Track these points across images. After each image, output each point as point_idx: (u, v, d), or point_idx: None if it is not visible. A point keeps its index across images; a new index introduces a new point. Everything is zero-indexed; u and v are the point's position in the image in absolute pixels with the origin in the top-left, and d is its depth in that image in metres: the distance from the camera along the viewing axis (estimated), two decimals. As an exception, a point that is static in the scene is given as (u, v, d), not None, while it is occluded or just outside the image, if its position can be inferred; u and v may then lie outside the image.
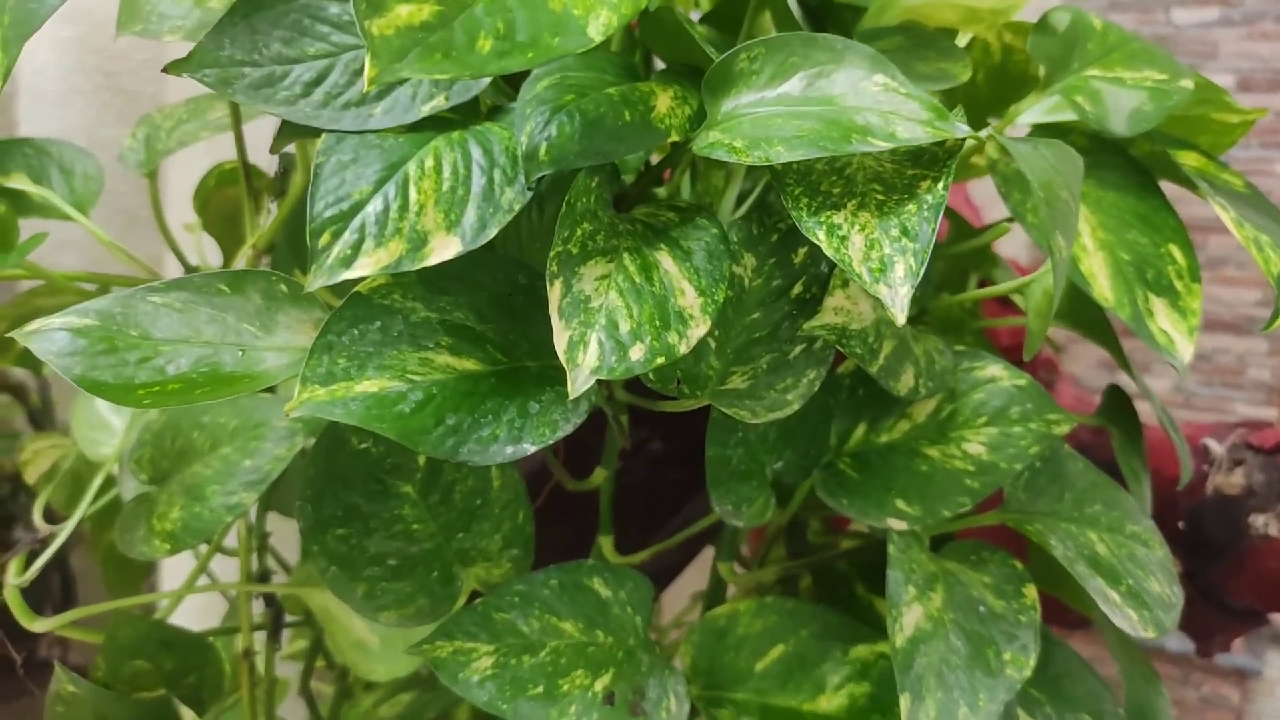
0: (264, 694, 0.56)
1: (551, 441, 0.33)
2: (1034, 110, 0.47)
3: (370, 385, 0.32)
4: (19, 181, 0.55)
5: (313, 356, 0.31)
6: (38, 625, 0.51)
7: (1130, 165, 0.46)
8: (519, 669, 0.37)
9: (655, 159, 0.40)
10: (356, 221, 0.31)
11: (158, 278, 0.57)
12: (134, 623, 0.52)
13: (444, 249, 0.31)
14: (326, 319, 0.32)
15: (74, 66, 0.92)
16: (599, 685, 0.37)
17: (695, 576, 0.60)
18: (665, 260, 0.33)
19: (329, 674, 0.62)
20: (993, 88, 0.53)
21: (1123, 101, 0.43)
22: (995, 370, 0.42)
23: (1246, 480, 0.69)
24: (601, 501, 0.47)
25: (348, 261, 0.31)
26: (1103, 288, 0.41)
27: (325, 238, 0.31)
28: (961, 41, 0.48)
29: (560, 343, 0.30)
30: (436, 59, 0.26)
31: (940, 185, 0.30)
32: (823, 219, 0.30)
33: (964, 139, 0.30)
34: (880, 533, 0.46)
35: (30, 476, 0.65)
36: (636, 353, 0.30)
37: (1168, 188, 0.47)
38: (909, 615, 0.38)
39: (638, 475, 0.55)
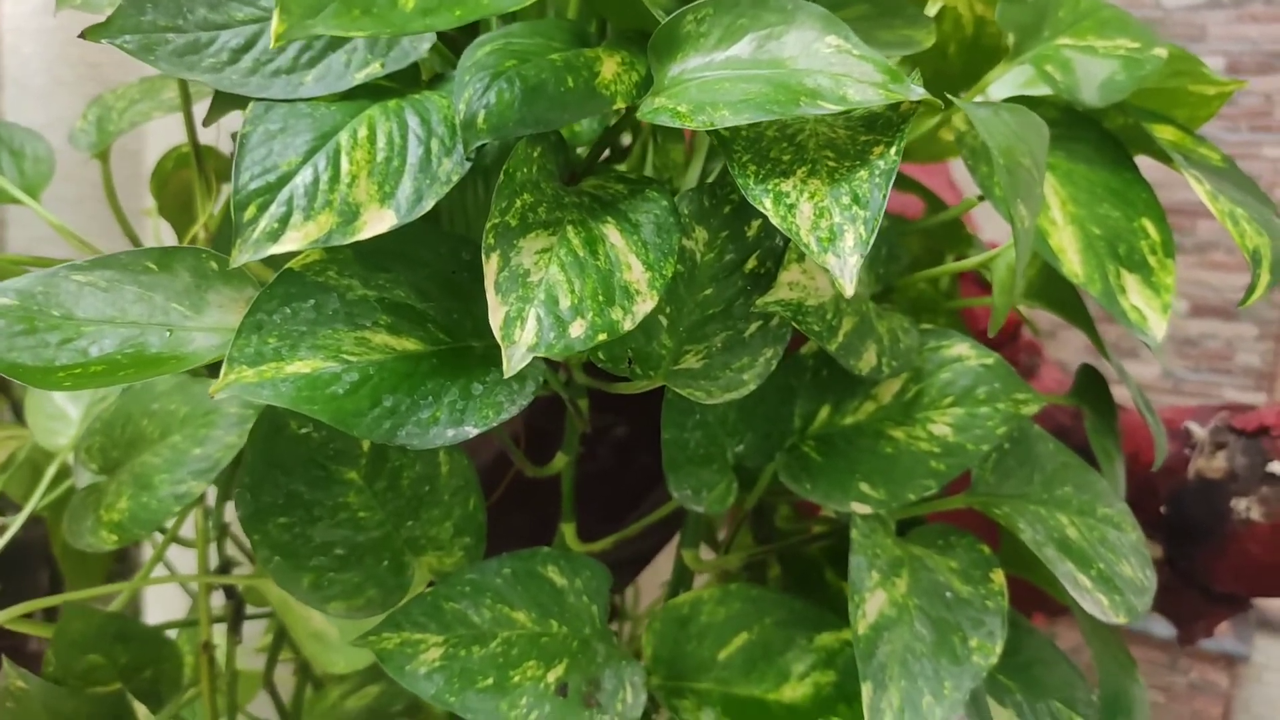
0: (226, 687, 0.54)
1: (495, 423, 0.32)
2: (1003, 82, 0.46)
3: (302, 366, 0.30)
4: (-33, 165, 0.54)
5: (240, 336, 0.30)
6: (-12, 619, 0.49)
7: (1103, 138, 0.44)
8: (468, 660, 0.36)
9: (608, 129, 0.39)
10: (284, 194, 0.30)
11: (110, 262, 0.55)
12: (86, 616, 0.51)
13: (377, 222, 0.30)
14: (256, 296, 0.31)
15: (58, 58, 0.90)
16: (552, 676, 0.36)
17: (671, 564, 0.58)
18: (612, 234, 0.31)
19: (294, 654, 0.61)
20: (964, 61, 0.52)
21: (1094, 70, 0.42)
22: (962, 349, 0.41)
23: (1228, 464, 0.68)
24: (563, 488, 0.46)
25: (274, 235, 0.29)
26: (1072, 263, 0.40)
27: (251, 210, 0.29)
28: (931, 11, 0.47)
29: (496, 319, 0.29)
30: (354, 15, 0.24)
31: (893, 150, 0.28)
32: (770, 186, 0.29)
33: (918, 102, 0.29)
34: (849, 518, 0.45)
35: (-14, 468, 0.63)
36: (577, 329, 0.29)
37: (1152, 170, 0.46)
38: (872, 601, 0.37)
39: (603, 462, 0.54)
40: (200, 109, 0.51)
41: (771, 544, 0.47)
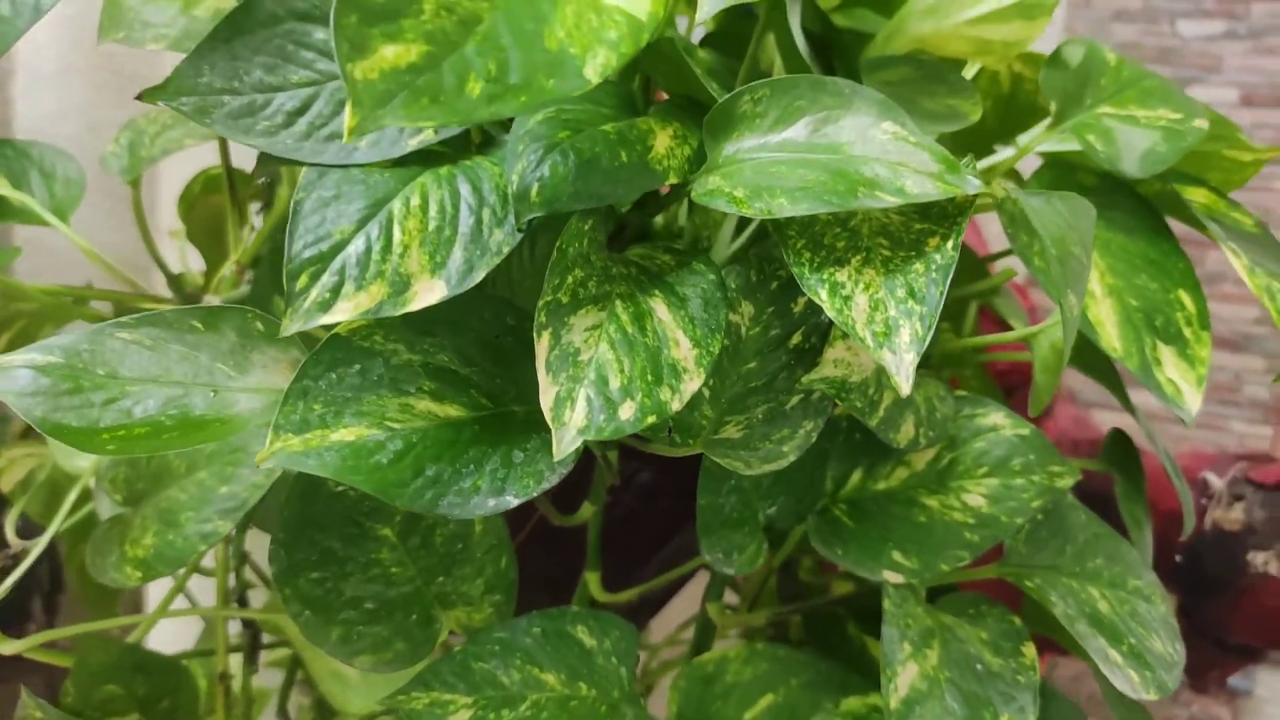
0: (240, 717, 0.54)
1: (536, 493, 0.32)
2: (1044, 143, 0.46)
3: (347, 434, 0.30)
4: (-2, 185, 0.53)
5: (287, 402, 0.30)
6: (7, 648, 0.49)
7: (1140, 206, 0.44)
8: (498, 722, 0.36)
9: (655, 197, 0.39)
10: (336, 263, 0.29)
11: (137, 288, 0.55)
12: (105, 647, 0.51)
13: (427, 293, 0.30)
14: (304, 361, 0.31)
15: (71, 46, 0.90)
16: (580, 741, 0.36)
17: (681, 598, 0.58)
18: (659, 308, 0.31)
19: (309, 686, 0.61)
20: (1000, 117, 0.52)
21: (1135, 141, 0.42)
22: (997, 418, 0.41)
23: (1246, 516, 0.68)
24: (589, 537, 0.46)
25: (326, 305, 0.29)
26: (1110, 336, 0.40)
27: (303, 279, 0.29)
28: (970, 70, 0.46)
29: (546, 400, 0.28)
30: (423, 104, 0.24)
31: (949, 244, 0.28)
32: (825, 276, 0.29)
33: (975, 195, 0.29)
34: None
35: (5, 485, 0.63)
36: (627, 411, 0.29)
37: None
38: (904, 675, 0.37)
39: (625, 507, 0.53)
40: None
41: (797, 602, 0.47)
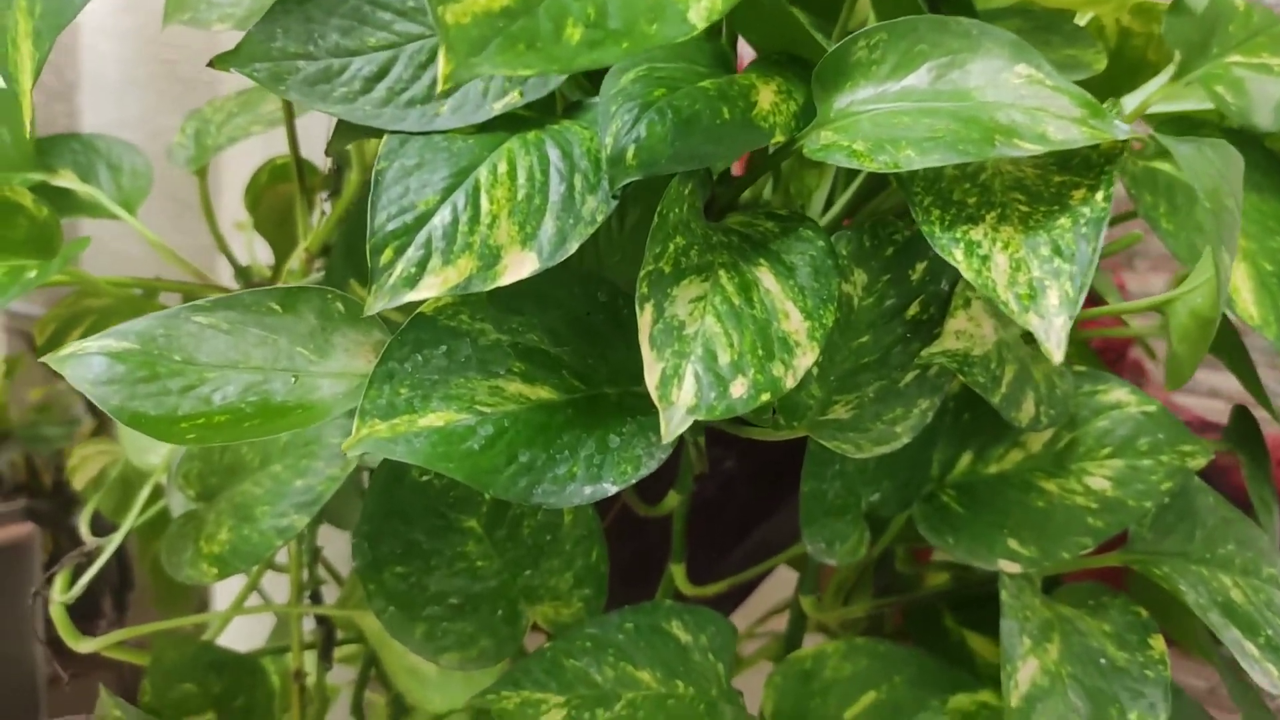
0: (315, 715, 0.53)
1: (634, 479, 0.30)
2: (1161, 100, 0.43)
3: (435, 418, 0.28)
4: (66, 179, 0.53)
5: (372, 386, 0.28)
6: (83, 645, 0.49)
7: (1272, 163, 0.41)
8: (593, 724, 0.34)
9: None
10: (422, 235, 0.28)
11: (205, 280, 0.54)
12: (181, 645, 0.50)
13: (518, 267, 0.28)
14: (388, 343, 0.29)
15: (133, 56, 0.91)
16: (680, 743, 0.34)
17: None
18: (766, 278, 0.29)
19: (382, 683, 0.60)
20: (1107, 74, 0.48)
21: (1269, 91, 0.39)
22: (1121, 394, 0.38)
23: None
24: (674, 528, 0.44)
25: (412, 281, 0.27)
26: (1246, 303, 0.37)
27: (387, 254, 0.27)
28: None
29: (652, 376, 0.26)
30: (519, 50, 0.22)
31: (1099, 196, 0.25)
32: (959, 234, 0.26)
33: (1124, 141, 0.26)
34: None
35: (78, 483, 0.63)
36: (738, 388, 0.26)
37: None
38: (1024, 670, 0.34)
39: (707, 494, 0.51)
40: (301, 123, 0.49)
41: (894, 594, 0.44)
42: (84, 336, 0.56)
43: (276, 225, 0.55)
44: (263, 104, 0.53)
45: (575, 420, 0.30)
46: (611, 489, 0.29)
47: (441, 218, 0.28)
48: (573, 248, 0.28)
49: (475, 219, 0.28)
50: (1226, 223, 0.28)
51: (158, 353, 0.29)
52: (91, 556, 0.51)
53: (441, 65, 0.21)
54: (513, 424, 0.29)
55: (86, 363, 0.28)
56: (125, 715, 0.46)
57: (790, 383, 0.27)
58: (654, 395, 0.26)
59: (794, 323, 0.28)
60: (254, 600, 0.56)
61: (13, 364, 0.97)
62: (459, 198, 0.28)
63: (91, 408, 0.97)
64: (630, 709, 0.34)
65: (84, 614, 0.59)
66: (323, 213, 0.51)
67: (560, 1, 0.24)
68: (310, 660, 0.54)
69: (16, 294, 0.39)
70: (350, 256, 0.40)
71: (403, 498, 0.34)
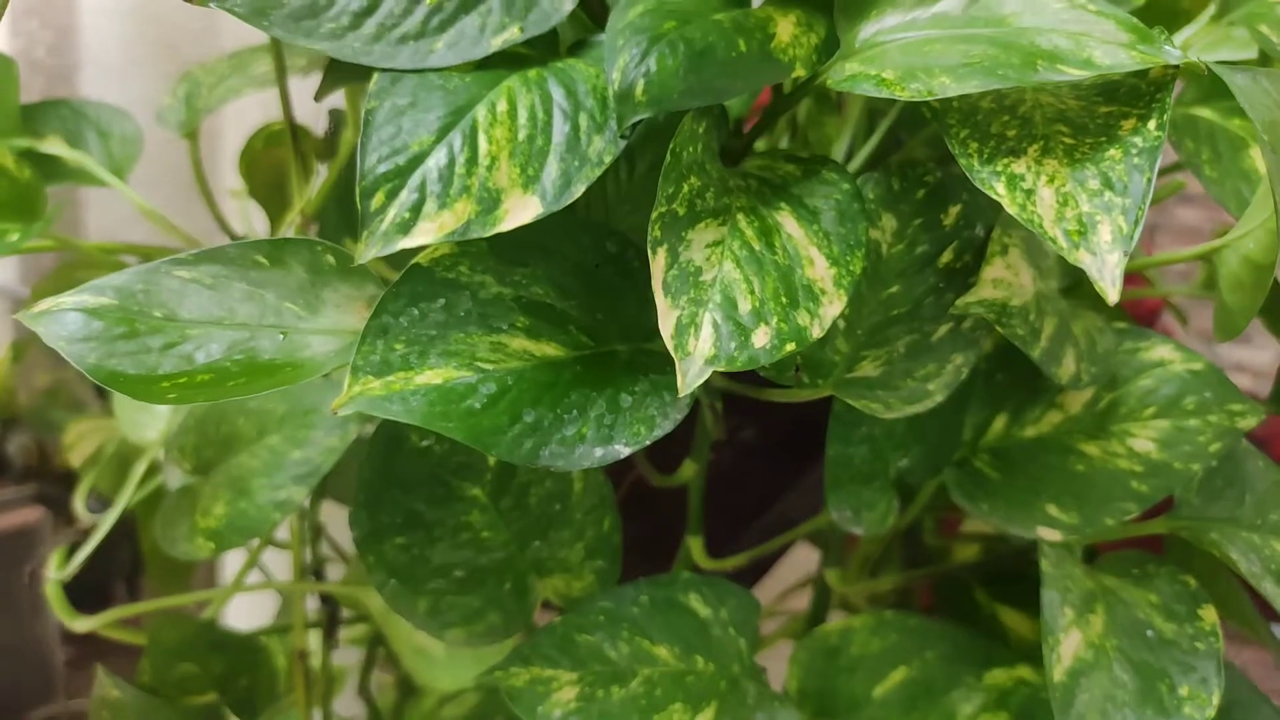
0: (320, 695, 0.51)
1: (648, 441, 0.28)
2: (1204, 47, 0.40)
3: (433, 376, 0.26)
4: (54, 145, 0.51)
5: (365, 342, 0.26)
6: (80, 624, 0.47)
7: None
8: (607, 702, 0.32)
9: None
10: (415, 178, 0.26)
11: (198, 246, 0.52)
12: (180, 624, 0.48)
13: (520, 211, 0.26)
14: (381, 296, 0.27)
15: (135, 37, 0.89)
16: (700, 721, 0.32)
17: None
18: (788, 222, 0.27)
19: (390, 663, 0.58)
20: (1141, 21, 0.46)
21: (1321, 28, 0.36)
22: (1165, 351, 0.35)
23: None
24: (690, 499, 0.42)
25: (405, 227, 0.25)
26: (1298, 254, 0.34)
27: (379, 198, 0.25)
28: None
29: (667, 325, 0.24)
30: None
31: (1151, 125, 0.23)
32: (1000, 167, 0.24)
33: (1175, 68, 0.24)
34: (1010, 537, 0.40)
35: (75, 460, 0.61)
36: (761, 337, 0.24)
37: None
38: (1067, 643, 0.32)
39: (724, 465, 0.49)
40: (295, 84, 0.47)
41: (922, 567, 0.42)
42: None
43: (271, 190, 0.53)
44: (255, 65, 0.51)
45: (584, 378, 0.28)
46: (624, 451, 0.27)
47: (437, 159, 0.26)
48: (578, 191, 0.26)
49: (473, 160, 0.26)
50: (1289, 156, 0.26)
51: (137, 309, 0.27)
52: (87, 534, 0.49)
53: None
54: (516, 382, 0.27)
55: (61, 319, 0.26)
56: (124, 695, 0.45)
57: (816, 333, 0.25)
58: (669, 345, 0.24)
59: (819, 269, 0.26)
60: (257, 579, 0.54)
61: (20, 349, 0.96)
62: (455, 138, 0.26)
63: (99, 391, 0.96)
64: (647, 686, 0.32)
65: (96, 598, 0.58)
66: (319, 176, 0.49)
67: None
68: (315, 640, 0.52)
69: (-3, 256, 0.37)
70: (344, 215, 0.38)
71: (401, 464, 0.32)
